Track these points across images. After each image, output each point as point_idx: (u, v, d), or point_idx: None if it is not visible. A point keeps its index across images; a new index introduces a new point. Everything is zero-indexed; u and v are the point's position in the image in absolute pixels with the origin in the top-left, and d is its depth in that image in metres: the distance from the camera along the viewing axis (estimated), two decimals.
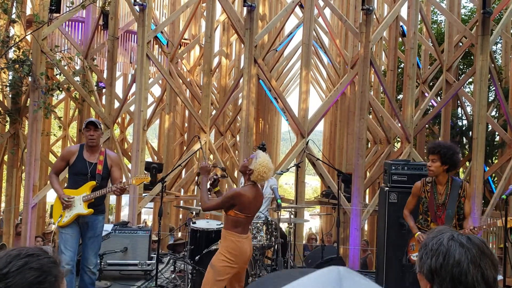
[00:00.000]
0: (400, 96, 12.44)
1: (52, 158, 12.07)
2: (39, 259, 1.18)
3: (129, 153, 10.89)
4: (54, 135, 13.10)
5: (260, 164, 3.62)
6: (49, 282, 1.17)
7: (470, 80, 10.68)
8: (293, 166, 6.83)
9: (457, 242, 1.18)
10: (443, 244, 1.18)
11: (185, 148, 11.74)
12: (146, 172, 9.05)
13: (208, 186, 3.87)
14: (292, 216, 5.39)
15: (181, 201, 10.16)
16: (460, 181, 3.98)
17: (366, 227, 10.94)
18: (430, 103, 10.48)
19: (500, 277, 5.46)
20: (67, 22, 10.17)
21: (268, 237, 4.88)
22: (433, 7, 11.50)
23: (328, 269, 0.58)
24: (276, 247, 5.01)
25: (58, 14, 8.51)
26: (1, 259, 1.16)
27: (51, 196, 9.69)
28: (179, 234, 10.89)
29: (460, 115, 11.54)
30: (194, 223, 5.19)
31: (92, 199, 4.26)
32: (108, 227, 5.70)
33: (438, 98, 10.77)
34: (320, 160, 7.79)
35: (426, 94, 10.62)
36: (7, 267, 1.14)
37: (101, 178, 4.33)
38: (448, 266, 1.15)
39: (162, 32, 10.12)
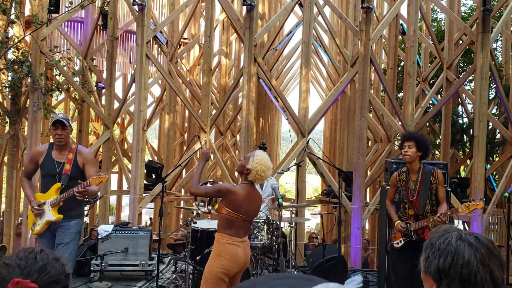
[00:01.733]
0: (401, 94, 12.42)
1: None
2: (50, 252, 1.21)
3: (129, 154, 10.87)
4: None
5: (258, 162, 3.38)
6: (67, 275, 1.21)
7: (471, 77, 10.66)
8: (294, 165, 6.81)
9: (465, 241, 1.15)
10: (451, 244, 1.15)
11: (185, 148, 11.73)
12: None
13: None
14: (293, 215, 5.37)
15: (182, 201, 10.14)
16: (431, 168, 4.16)
17: (367, 226, 10.92)
18: (431, 101, 10.45)
19: None
20: (66, 23, 10.16)
21: (269, 236, 4.86)
22: (433, 4, 11.48)
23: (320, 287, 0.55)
24: (277, 247, 4.99)
25: (57, 15, 8.49)
26: (22, 258, 1.16)
27: None
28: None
29: (460, 113, 11.52)
30: (195, 223, 5.17)
31: (59, 203, 3.87)
32: (108, 228, 5.68)
33: (439, 96, 10.74)
34: (321, 159, 7.77)
35: (427, 92, 10.60)
36: (38, 262, 1.15)
37: (69, 178, 3.90)
38: (457, 267, 1.12)
39: (161, 32, 10.10)
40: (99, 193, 4.25)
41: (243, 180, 3.48)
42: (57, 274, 1.15)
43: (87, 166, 3.99)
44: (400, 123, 8.36)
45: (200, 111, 8.83)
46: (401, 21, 10.11)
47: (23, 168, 8.74)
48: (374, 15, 9.78)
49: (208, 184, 5.07)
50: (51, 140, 4.09)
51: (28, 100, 8.47)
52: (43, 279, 1.12)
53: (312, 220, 21.76)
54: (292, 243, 5.56)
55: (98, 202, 8.30)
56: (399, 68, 11.86)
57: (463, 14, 12.79)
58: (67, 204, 3.89)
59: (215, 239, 3.45)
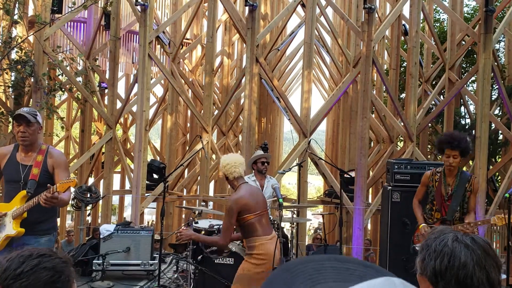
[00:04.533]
0: (403, 95, 12.41)
1: None
2: (51, 259, 1.20)
3: (132, 153, 10.90)
4: (57, 135, 13.11)
5: (222, 163, 3.55)
6: (62, 281, 1.19)
7: (473, 78, 10.65)
8: (296, 166, 6.82)
9: (461, 243, 1.15)
10: (448, 245, 1.16)
11: (187, 148, 11.75)
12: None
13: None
14: (294, 216, 5.38)
15: (184, 201, 10.17)
16: (469, 175, 4.00)
17: (369, 227, 10.92)
18: (433, 102, 10.44)
19: (503, 276, 5.44)
20: (69, 23, 10.19)
21: None
22: (436, 5, 11.47)
23: (383, 281, 0.54)
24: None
25: (60, 15, 8.53)
26: (13, 259, 1.17)
27: None
28: None
29: (463, 113, 11.51)
30: (196, 223, 5.19)
31: (22, 214, 3.19)
32: (110, 227, 5.70)
33: (441, 96, 10.73)
34: (323, 160, 7.77)
35: (429, 93, 10.59)
36: (21, 267, 1.16)
37: (37, 185, 3.23)
38: (454, 269, 1.12)
39: (164, 32, 10.12)
40: (101, 193, 4.04)
41: (235, 185, 3.58)
42: (39, 284, 1.15)
43: (57, 170, 3.33)
44: (402, 123, 8.35)
45: (202, 111, 8.85)
46: (403, 22, 10.10)
47: None
48: (376, 15, 9.78)
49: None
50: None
51: (31, 100, 8.51)
52: (16, 285, 1.14)
53: (315, 221, 21.75)
54: (293, 243, 5.56)
55: (100, 201, 8.33)
56: (401, 69, 11.86)
57: (465, 15, 12.77)
58: (35, 217, 3.23)
59: (245, 246, 3.52)
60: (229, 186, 3.85)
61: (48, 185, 3.11)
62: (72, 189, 3.74)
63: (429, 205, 4.12)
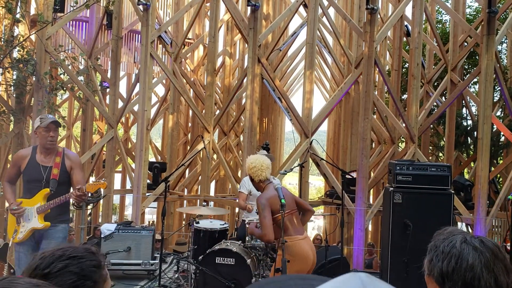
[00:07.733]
0: (405, 96, 12.39)
1: None
2: (80, 262, 1.19)
3: (133, 153, 10.89)
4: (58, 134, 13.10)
5: (249, 165, 3.72)
6: (87, 286, 1.18)
7: (475, 80, 10.62)
8: (297, 166, 6.80)
9: (470, 245, 1.14)
10: (456, 247, 1.14)
11: (188, 147, 11.74)
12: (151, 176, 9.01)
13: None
14: None
15: (185, 201, 10.16)
16: None
17: (370, 228, 10.90)
18: (435, 103, 10.43)
19: None
20: (71, 22, 10.19)
21: None
22: (438, 6, 11.45)
23: (349, 277, 0.56)
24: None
25: (62, 14, 8.53)
26: (46, 258, 1.18)
27: None
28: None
29: (465, 115, 11.48)
30: (197, 223, 5.18)
31: (47, 210, 3.71)
32: (111, 227, 5.69)
33: (443, 98, 10.71)
34: (324, 160, 7.76)
35: (431, 94, 10.57)
36: (49, 267, 1.17)
37: (57, 184, 3.73)
38: (461, 270, 1.11)
39: (166, 32, 10.11)
40: (102, 192, 4.21)
41: (261, 186, 3.76)
42: (64, 284, 1.15)
43: (75, 171, 3.82)
44: (404, 124, 8.34)
45: (203, 111, 8.84)
46: (405, 23, 10.08)
47: None
48: (379, 16, 9.77)
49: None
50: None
51: (33, 98, 8.51)
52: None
53: (317, 222, 21.75)
54: None
55: (101, 201, 8.31)
56: (403, 70, 11.84)
57: (468, 16, 12.76)
58: (54, 210, 3.74)
59: (277, 247, 3.48)
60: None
61: (79, 185, 3.66)
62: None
63: None
